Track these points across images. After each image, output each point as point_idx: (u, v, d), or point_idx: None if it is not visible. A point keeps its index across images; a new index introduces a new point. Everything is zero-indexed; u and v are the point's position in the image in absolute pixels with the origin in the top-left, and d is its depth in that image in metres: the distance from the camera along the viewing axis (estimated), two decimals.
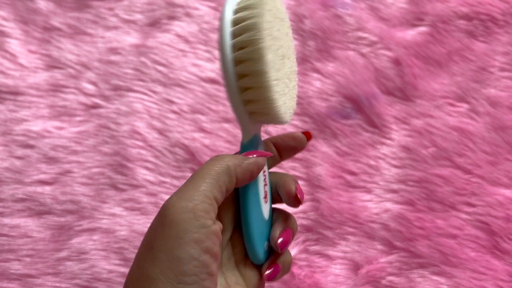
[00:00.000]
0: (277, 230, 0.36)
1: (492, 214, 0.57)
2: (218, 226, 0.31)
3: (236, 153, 0.36)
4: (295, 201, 0.36)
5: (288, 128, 0.61)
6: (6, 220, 0.57)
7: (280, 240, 0.35)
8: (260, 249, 0.36)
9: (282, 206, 0.38)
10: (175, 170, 0.60)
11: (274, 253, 0.37)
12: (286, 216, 0.37)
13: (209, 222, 0.30)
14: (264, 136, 0.38)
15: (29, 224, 0.57)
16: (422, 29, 0.66)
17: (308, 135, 0.38)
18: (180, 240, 0.28)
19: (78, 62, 0.65)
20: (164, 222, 0.29)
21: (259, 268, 0.36)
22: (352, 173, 0.59)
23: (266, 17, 0.32)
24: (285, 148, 0.39)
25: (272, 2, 0.33)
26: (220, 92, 0.63)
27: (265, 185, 0.37)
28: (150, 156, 0.60)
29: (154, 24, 0.67)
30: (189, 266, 0.28)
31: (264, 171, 0.36)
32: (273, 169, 0.40)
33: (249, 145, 0.35)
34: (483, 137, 0.60)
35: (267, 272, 0.36)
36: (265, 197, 0.37)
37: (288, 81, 0.35)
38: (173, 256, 0.28)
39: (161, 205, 0.63)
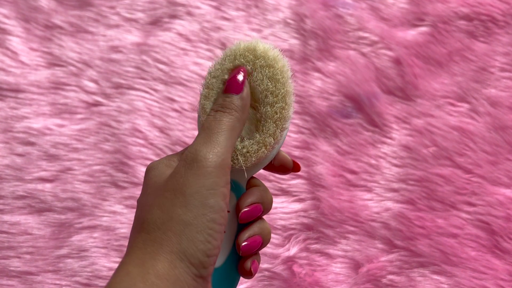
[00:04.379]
0: (244, 234, 0.34)
1: (492, 214, 0.57)
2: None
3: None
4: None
5: (290, 128, 0.61)
6: (6, 217, 0.57)
7: (244, 243, 0.34)
8: None
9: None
10: None
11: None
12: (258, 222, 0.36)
13: (229, 178, 0.31)
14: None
15: (29, 221, 0.57)
16: (423, 29, 0.66)
17: (297, 166, 0.38)
18: (213, 190, 0.30)
19: (79, 60, 0.65)
20: (198, 172, 0.30)
21: None
22: (352, 172, 0.59)
23: (226, 64, 0.34)
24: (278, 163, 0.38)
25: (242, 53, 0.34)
26: None
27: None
28: (151, 154, 0.60)
29: (156, 22, 0.67)
30: (218, 215, 0.30)
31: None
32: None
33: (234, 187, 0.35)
34: (483, 137, 0.61)
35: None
36: None
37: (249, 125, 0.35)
38: (206, 204, 0.30)
39: None
